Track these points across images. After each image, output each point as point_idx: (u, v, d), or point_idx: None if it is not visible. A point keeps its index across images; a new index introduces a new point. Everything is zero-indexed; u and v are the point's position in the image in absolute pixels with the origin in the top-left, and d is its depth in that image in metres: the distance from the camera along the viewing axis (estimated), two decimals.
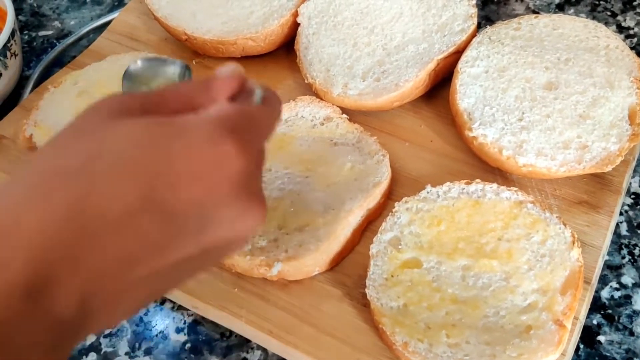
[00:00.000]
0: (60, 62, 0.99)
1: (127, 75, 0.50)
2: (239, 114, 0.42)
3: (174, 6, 0.88)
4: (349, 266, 0.71)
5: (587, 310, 0.69)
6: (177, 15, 0.87)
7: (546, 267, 0.65)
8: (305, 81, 0.83)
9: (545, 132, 0.72)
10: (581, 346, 0.69)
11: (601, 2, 1.03)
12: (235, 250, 0.45)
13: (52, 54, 0.99)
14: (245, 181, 0.41)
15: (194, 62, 0.92)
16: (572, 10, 1.02)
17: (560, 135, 0.72)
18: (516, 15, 1.01)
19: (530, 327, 0.61)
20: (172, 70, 0.50)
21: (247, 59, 0.90)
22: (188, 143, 0.39)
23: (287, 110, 0.81)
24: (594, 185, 0.76)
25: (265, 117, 0.48)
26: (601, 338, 0.69)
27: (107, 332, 0.72)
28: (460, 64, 0.78)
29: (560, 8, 1.03)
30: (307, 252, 0.67)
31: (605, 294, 0.72)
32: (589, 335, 0.69)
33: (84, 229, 0.35)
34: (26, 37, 1.04)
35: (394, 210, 0.70)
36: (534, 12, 1.02)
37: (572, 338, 0.64)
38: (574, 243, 0.66)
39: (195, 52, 0.92)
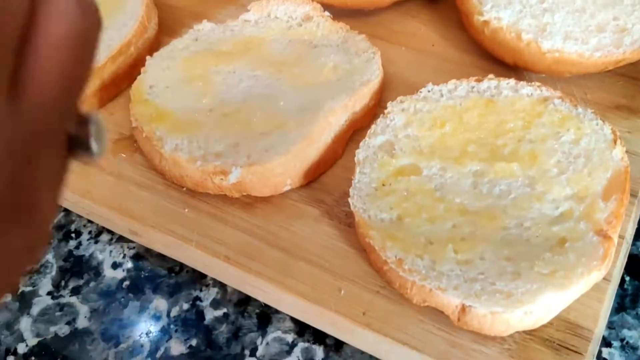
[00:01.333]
0: None
1: None
2: None
3: None
4: (329, 182, 0.56)
5: (634, 231, 0.54)
6: None
7: (582, 170, 0.50)
8: None
9: (573, 14, 0.58)
10: (627, 278, 0.54)
11: None
12: None
13: None
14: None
15: None
16: None
17: (592, 17, 0.58)
18: None
19: (565, 239, 0.47)
20: None
21: None
22: None
23: (258, 10, 0.67)
24: (632, 88, 0.61)
25: None
26: None
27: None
28: None
29: None
30: (275, 156, 0.53)
31: None
32: (636, 265, 0.55)
33: None
34: None
35: (386, 111, 0.56)
36: None
37: (617, 261, 0.49)
38: (615, 141, 0.52)
39: None
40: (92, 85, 0.61)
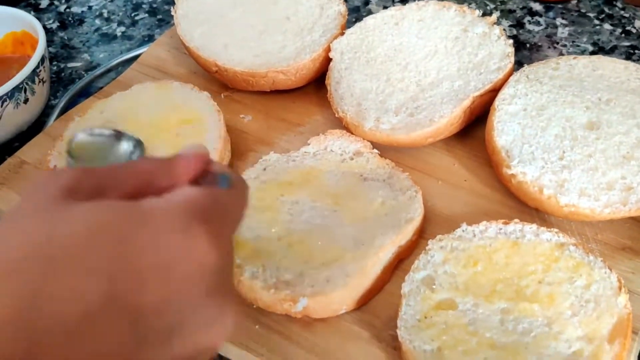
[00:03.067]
0: (87, 93, 0.98)
1: (72, 149, 0.41)
2: (208, 199, 0.37)
3: (206, 38, 0.88)
4: (378, 306, 0.67)
5: None
6: (209, 47, 0.87)
7: (591, 313, 0.61)
8: (336, 115, 0.81)
9: (587, 172, 0.68)
10: None
11: (636, 51, 1.01)
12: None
13: (80, 84, 0.99)
14: (219, 278, 0.35)
15: (222, 96, 0.91)
16: None
17: (604, 175, 0.68)
18: None
19: None
20: (124, 146, 0.42)
21: (276, 93, 0.89)
22: (155, 231, 0.33)
23: (316, 144, 0.79)
24: (637, 231, 0.72)
25: (235, 204, 0.42)
26: None
27: None
28: (497, 102, 0.75)
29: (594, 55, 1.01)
30: (334, 287, 0.63)
31: None
32: None
33: (36, 338, 0.29)
34: (55, 67, 1.04)
35: (427, 248, 0.67)
36: None
37: None
38: (620, 289, 0.62)
39: (223, 86, 0.91)
40: None
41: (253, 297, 0.65)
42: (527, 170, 0.69)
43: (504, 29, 0.88)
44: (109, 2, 1.17)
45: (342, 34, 0.88)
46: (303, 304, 0.62)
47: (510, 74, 0.80)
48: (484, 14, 0.87)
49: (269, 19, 0.90)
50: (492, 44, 0.82)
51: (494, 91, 0.78)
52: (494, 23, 0.85)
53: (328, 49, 0.86)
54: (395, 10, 0.89)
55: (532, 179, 0.69)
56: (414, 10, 0.88)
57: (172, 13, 0.90)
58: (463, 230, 0.68)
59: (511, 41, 0.82)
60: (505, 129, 0.73)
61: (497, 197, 0.76)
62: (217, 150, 0.76)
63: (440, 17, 0.87)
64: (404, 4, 0.89)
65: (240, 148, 0.84)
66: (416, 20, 0.87)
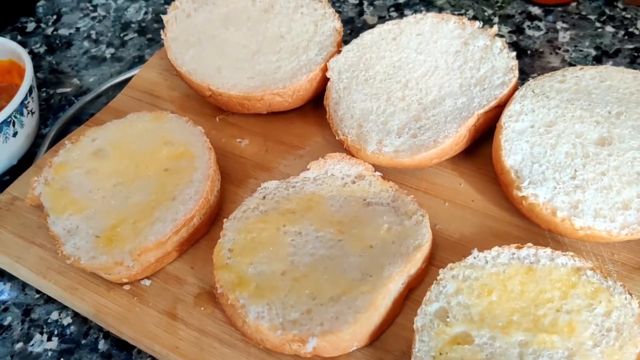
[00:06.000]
0: (78, 120, 0.95)
1: None
2: None
3: (198, 61, 0.85)
4: (390, 341, 0.64)
5: None
6: (202, 71, 0.84)
7: (614, 343, 0.58)
8: (336, 138, 0.78)
9: (601, 191, 0.66)
10: None
11: None
12: None
13: (70, 111, 0.96)
14: None
15: (217, 119, 0.88)
16: (610, 62, 0.98)
17: (619, 194, 0.66)
18: (552, 68, 0.97)
19: None
20: None
21: (273, 115, 0.86)
22: None
23: (316, 169, 0.76)
24: None
25: None
26: None
27: None
28: (503, 119, 0.73)
29: (597, 60, 0.98)
30: (344, 325, 0.61)
31: None
32: None
33: None
34: (44, 94, 1.01)
35: (438, 277, 0.64)
36: (570, 64, 0.98)
37: None
38: None
39: (218, 109, 0.88)
40: (159, 252, 0.69)
41: (259, 339, 0.62)
42: (538, 192, 0.66)
43: (504, 36, 0.85)
44: (97, 22, 1.13)
45: (339, 51, 0.85)
46: (313, 344, 0.60)
47: (515, 89, 0.77)
48: (483, 21, 0.84)
49: (262, 38, 0.87)
50: (495, 58, 0.79)
51: (500, 107, 0.76)
52: (496, 35, 0.82)
53: (325, 68, 0.83)
54: (392, 25, 0.86)
55: (544, 201, 0.66)
56: (411, 23, 0.85)
57: (162, 36, 0.87)
58: (475, 257, 0.65)
59: (514, 54, 0.79)
60: (513, 148, 0.70)
61: (506, 218, 0.73)
62: (204, 192, 0.72)
63: (440, 30, 0.84)
64: (401, 16, 0.86)
65: (238, 175, 0.81)
66: (415, 34, 0.84)
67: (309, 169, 0.76)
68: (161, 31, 0.88)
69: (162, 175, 0.75)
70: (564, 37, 1.02)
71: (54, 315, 0.73)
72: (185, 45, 0.87)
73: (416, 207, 0.71)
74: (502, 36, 0.96)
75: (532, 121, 0.72)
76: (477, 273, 0.64)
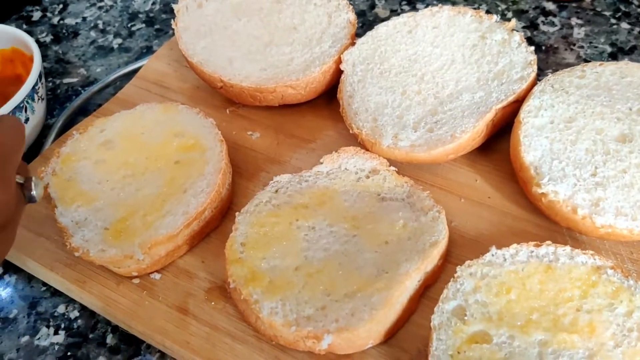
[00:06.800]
0: (85, 111, 0.94)
1: None
2: None
3: (210, 52, 0.83)
4: (405, 338, 0.63)
5: None
6: (213, 61, 0.82)
7: (635, 344, 0.57)
8: (350, 131, 0.77)
9: (623, 189, 0.65)
10: None
11: None
12: None
13: (77, 101, 0.94)
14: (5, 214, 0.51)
15: (227, 111, 0.87)
16: (626, 59, 0.96)
17: None
18: (567, 64, 0.96)
19: None
20: None
21: (285, 108, 0.85)
22: None
23: (330, 162, 0.75)
24: None
25: (8, 141, 0.52)
26: None
27: None
28: (522, 114, 0.71)
29: (613, 57, 0.97)
30: (360, 322, 0.59)
31: None
32: None
33: None
34: (50, 84, 1.00)
35: (455, 275, 0.63)
36: (585, 60, 0.97)
37: None
38: None
39: (228, 100, 0.87)
40: (170, 246, 0.68)
41: (273, 335, 0.61)
42: (558, 189, 0.65)
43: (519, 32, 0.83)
44: (104, 12, 1.12)
45: (353, 44, 0.83)
46: (328, 341, 0.58)
47: (533, 84, 0.75)
48: (499, 16, 0.82)
49: (275, 29, 0.86)
50: (513, 52, 0.78)
51: (518, 102, 0.74)
52: (513, 29, 0.80)
53: (339, 61, 0.81)
54: (408, 17, 0.84)
55: (564, 198, 0.65)
56: (427, 16, 0.84)
57: (173, 26, 0.86)
58: (493, 255, 0.64)
59: (532, 48, 0.78)
60: (532, 144, 0.69)
61: (523, 215, 0.72)
62: (215, 184, 0.71)
63: (456, 23, 0.83)
64: (414, 9, 0.85)
65: (249, 168, 0.80)
66: (430, 27, 0.83)
67: (322, 163, 0.75)
68: (171, 21, 0.87)
69: (172, 167, 0.74)
70: (578, 33, 1.01)
71: (61, 309, 0.71)
72: (197, 36, 0.85)
73: (432, 203, 0.69)
74: (528, 38, 0.95)
75: (551, 117, 0.71)
76: (495, 271, 0.63)
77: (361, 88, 0.79)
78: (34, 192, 0.56)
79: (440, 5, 0.85)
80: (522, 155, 0.68)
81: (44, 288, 0.73)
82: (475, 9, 0.82)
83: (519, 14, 1.05)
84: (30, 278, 0.74)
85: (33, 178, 0.57)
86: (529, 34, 1.01)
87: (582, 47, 0.99)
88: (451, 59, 0.79)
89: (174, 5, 0.88)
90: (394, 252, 0.65)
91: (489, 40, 0.80)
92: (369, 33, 0.84)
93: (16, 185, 0.54)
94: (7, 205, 0.51)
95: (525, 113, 0.71)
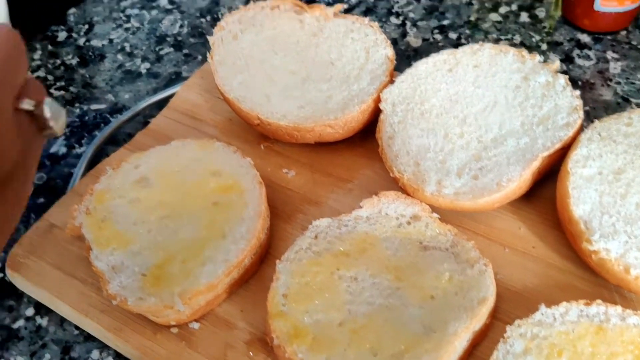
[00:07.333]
0: (115, 140, 0.92)
1: None
2: None
3: (247, 87, 0.82)
4: None
5: None
6: (250, 98, 0.80)
7: None
8: (391, 174, 0.75)
9: None
10: None
11: None
12: None
13: (107, 130, 0.92)
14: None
15: (262, 147, 0.85)
16: None
17: None
18: (604, 102, 0.94)
19: None
20: None
21: (319, 145, 0.83)
22: None
23: (369, 207, 0.73)
24: None
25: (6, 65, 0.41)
26: None
27: None
28: (570, 164, 0.70)
29: None
30: None
31: None
32: None
33: None
34: (77, 110, 0.98)
35: (505, 335, 0.61)
36: (623, 98, 0.95)
37: None
38: None
39: (262, 135, 0.85)
40: (209, 295, 0.66)
41: None
42: (610, 247, 0.63)
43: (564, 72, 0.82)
44: (131, 34, 1.10)
45: (392, 81, 0.81)
46: None
47: (579, 130, 0.74)
48: (530, 48, 0.80)
49: (312, 64, 0.84)
50: (557, 95, 0.76)
51: (563, 149, 0.73)
52: (557, 71, 0.79)
53: (377, 99, 0.80)
54: (448, 55, 0.83)
55: (616, 257, 0.63)
56: (468, 54, 0.82)
57: (209, 59, 0.84)
58: (542, 313, 0.62)
59: (578, 92, 0.76)
60: (581, 197, 0.67)
61: (569, 267, 0.70)
62: (256, 230, 0.69)
63: (498, 62, 0.81)
64: (446, 38, 0.83)
65: (286, 209, 0.78)
66: (471, 66, 0.81)
67: (361, 207, 0.73)
68: (199, 46, 0.85)
69: (210, 209, 0.72)
70: (614, 67, 0.99)
71: (95, 354, 0.70)
72: (233, 70, 0.83)
73: (478, 255, 0.68)
74: (564, 72, 0.93)
75: (599, 167, 0.69)
76: (545, 331, 0.61)
77: (402, 129, 0.77)
78: (49, 119, 0.41)
79: (481, 42, 0.83)
80: (572, 208, 0.67)
81: (76, 332, 0.72)
82: (507, 39, 0.81)
83: (554, 46, 1.04)
84: (62, 320, 0.73)
85: (46, 100, 0.42)
86: (564, 67, 1.00)
87: (618, 82, 0.97)
88: (494, 101, 0.78)
89: (209, 37, 0.86)
90: (440, 308, 0.64)
91: (533, 82, 0.78)
92: (407, 70, 0.82)
93: (23, 114, 0.42)
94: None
95: (573, 163, 0.70)
